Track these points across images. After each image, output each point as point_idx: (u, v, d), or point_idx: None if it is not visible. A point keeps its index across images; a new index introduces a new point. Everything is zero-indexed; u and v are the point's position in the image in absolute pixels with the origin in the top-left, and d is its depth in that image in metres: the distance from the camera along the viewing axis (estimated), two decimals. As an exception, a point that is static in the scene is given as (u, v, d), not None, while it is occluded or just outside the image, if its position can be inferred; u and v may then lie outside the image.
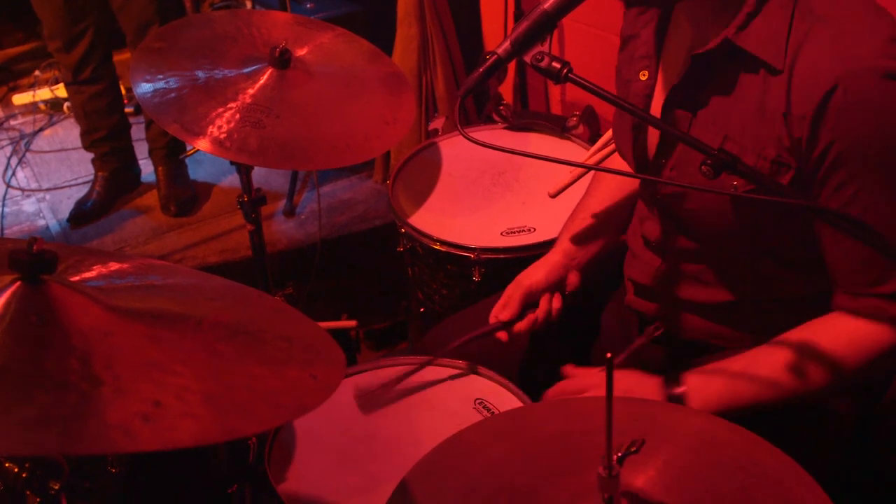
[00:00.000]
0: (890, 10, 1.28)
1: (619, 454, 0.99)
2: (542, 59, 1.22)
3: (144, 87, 1.81)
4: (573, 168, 2.23)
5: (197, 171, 3.56)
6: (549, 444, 1.16)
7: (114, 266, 1.19)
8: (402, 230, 2.18)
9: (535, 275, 1.72)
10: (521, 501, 1.08)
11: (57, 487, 1.11)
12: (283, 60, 1.86)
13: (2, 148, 3.94)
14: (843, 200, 1.27)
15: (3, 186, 3.65)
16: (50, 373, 0.90)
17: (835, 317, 1.36)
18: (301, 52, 1.94)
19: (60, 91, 4.02)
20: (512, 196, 2.30)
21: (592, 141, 2.38)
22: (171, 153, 3.39)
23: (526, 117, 2.65)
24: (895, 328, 1.32)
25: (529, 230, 2.14)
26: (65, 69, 3.30)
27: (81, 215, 3.35)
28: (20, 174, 3.74)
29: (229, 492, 1.57)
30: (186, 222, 3.33)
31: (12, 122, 4.13)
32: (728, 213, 1.37)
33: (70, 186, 3.60)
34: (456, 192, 2.33)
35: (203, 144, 1.73)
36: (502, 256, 2.04)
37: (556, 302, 1.71)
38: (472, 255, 2.05)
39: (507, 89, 3.28)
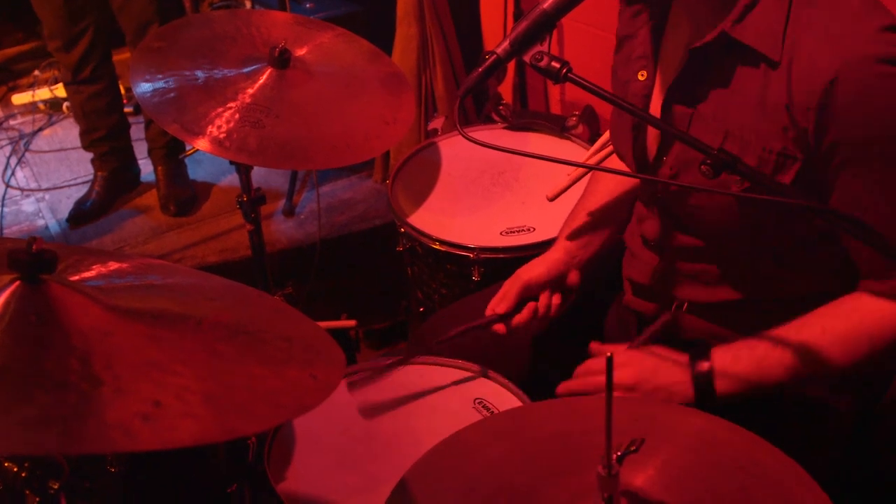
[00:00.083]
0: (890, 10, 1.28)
1: (619, 453, 0.99)
2: (541, 59, 1.22)
3: (144, 87, 1.81)
4: (572, 169, 2.22)
5: (196, 171, 3.56)
6: (549, 444, 1.16)
7: (113, 266, 1.19)
8: (402, 230, 2.18)
9: (534, 270, 1.71)
10: (520, 501, 1.08)
11: (56, 487, 1.11)
12: (282, 60, 1.86)
13: (1, 148, 3.94)
14: (856, 191, 1.27)
15: (3, 186, 3.64)
16: (50, 373, 0.90)
17: (862, 297, 1.36)
18: (300, 52, 1.94)
19: (60, 91, 4.02)
20: (511, 196, 2.30)
21: (592, 140, 2.38)
22: (170, 153, 3.39)
23: (525, 117, 2.65)
24: None
25: (529, 230, 2.14)
26: (64, 69, 3.30)
27: (81, 215, 3.35)
28: (19, 174, 3.74)
29: (229, 491, 1.57)
30: (186, 222, 3.33)
31: (12, 122, 4.13)
32: (731, 210, 1.37)
33: (69, 186, 3.59)
34: (455, 192, 2.33)
35: (202, 144, 1.72)
36: (501, 256, 2.05)
37: (556, 298, 1.71)
38: (471, 255, 2.05)
39: (506, 89, 3.28)
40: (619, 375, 1.45)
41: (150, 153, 3.43)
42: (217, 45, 1.93)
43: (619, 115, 1.55)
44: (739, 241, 1.43)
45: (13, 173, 3.74)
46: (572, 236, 1.75)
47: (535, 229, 2.14)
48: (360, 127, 1.88)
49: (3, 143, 3.97)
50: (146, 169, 3.54)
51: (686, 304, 1.56)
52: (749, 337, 1.40)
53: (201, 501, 1.64)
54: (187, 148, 3.48)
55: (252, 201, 2.03)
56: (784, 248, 1.42)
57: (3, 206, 3.52)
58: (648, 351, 1.48)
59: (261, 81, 1.85)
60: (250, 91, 1.83)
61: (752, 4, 1.28)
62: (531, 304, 1.68)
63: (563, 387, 1.52)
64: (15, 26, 4.70)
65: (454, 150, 2.49)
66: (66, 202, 3.45)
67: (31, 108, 4.17)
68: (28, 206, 3.53)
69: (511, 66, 3.16)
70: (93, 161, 3.46)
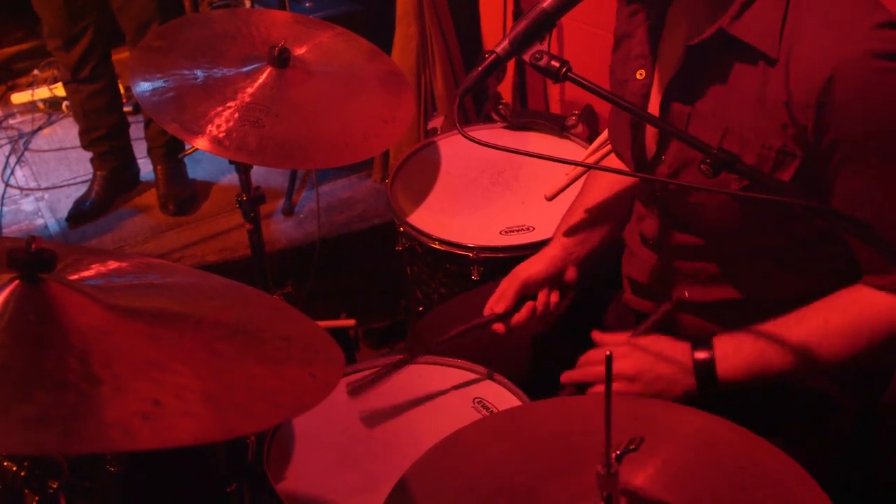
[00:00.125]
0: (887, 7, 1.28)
1: (618, 452, 0.99)
2: (540, 58, 1.22)
3: (143, 86, 1.81)
4: (571, 168, 2.22)
5: (196, 170, 3.56)
6: (548, 444, 1.16)
7: (113, 265, 1.19)
8: (401, 229, 2.18)
9: (532, 268, 1.71)
10: (520, 500, 1.08)
11: (56, 486, 1.11)
12: (282, 59, 1.86)
13: (0, 147, 3.93)
14: (857, 188, 1.27)
15: (2, 185, 3.64)
16: (49, 372, 0.90)
17: (862, 290, 1.36)
18: (300, 51, 1.94)
19: (59, 90, 4.02)
20: (511, 195, 2.30)
21: (591, 140, 2.38)
22: (169, 152, 3.39)
23: (525, 116, 2.65)
24: None
25: (528, 229, 2.14)
26: (64, 68, 3.30)
27: (80, 214, 3.34)
28: (19, 173, 3.74)
29: (228, 491, 1.57)
30: (185, 221, 3.33)
31: (11, 122, 4.12)
32: (730, 208, 1.37)
33: (69, 185, 3.59)
34: (455, 191, 2.33)
35: (202, 143, 1.72)
36: (501, 255, 2.04)
37: (555, 296, 1.70)
38: (470, 254, 2.05)
39: (506, 88, 3.28)
40: (621, 366, 1.45)
41: (150, 152, 3.43)
42: (216, 44, 1.93)
43: (618, 114, 1.55)
44: (738, 240, 1.43)
45: (12, 172, 3.74)
46: (569, 233, 1.75)
47: (534, 229, 2.13)
48: (360, 126, 1.88)
49: (3, 142, 3.97)
50: (145, 168, 3.54)
51: (687, 293, 1.55)
52: (750, 327, 1.41)
53: (201, 501, 1.64)
54: (187, 147, 3.48)
55: (251, 200, 2.03)
56: (784, 248, 1.42)
57: (2, 205, 3.52)
58: (649, 341, 1.48)
59: (260, 80, 1.85)
60: (250, 90, 1.83)
61: (750, 1, 1.28)
62: (529, 304, 1.68)
63: (566, 376, 1.53)
64: (14, 25, 4.70)
65: (454, 149, 2.49)
66: (66, 201, 3.45)
67: (31, 107, 4.16)
68: (27, 205, 3.53)
69: (511, 65, 3.16)
70: (92, 160, 3.46)
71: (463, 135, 1.24)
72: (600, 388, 1.47)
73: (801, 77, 1.24)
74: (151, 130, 3.35)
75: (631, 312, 1.68)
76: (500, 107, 2.66)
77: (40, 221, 3.41)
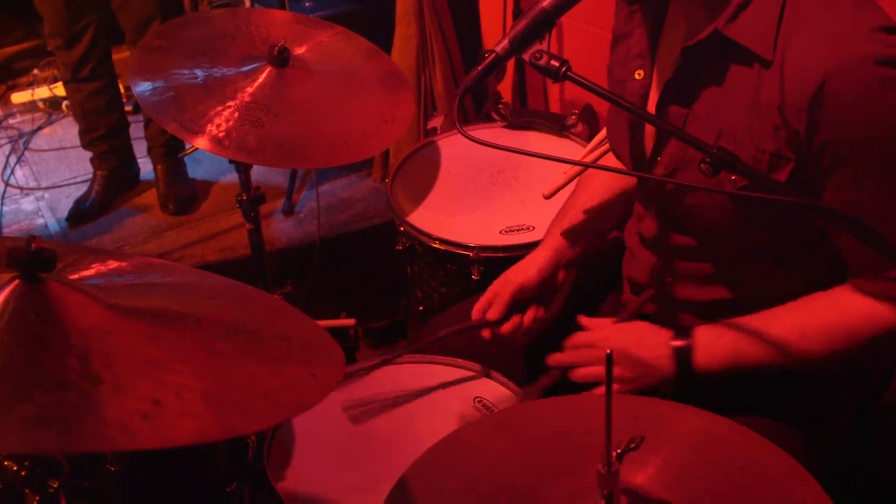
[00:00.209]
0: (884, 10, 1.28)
1: (619, 451, 0.99)
2: (540, 58, 1.22)
3: (143, 86, 1.81)
4: (570, 167, 2.22)
5: (196, 170, 3.56)
6: (549, 443, 1.16)
7: (113, 264, 1.19)
8: (401, 229, 2.18)
9: (525, 272, 1.70)
10: (520, 500, 1.08)
11: (56, 486, 1.11)
12: (281, 59, 1.86)
13: (0, 146, 3.93)
14: (848, 192, 1.27)
15: (2, 185, 3.64)
16: (49, 371, 0.90)
17: (848, 292, 1.37)
18: (300, 51, 1.94)
19: (59, 90, 4.02)
20: (511, 195, 2.30)
21: (591, 139, 2.38)
22: (169, 152, 3.39)
23: (525, 116, 2.65)
24: None
25: (528, 229, 2.14)
26: (64, 67, 3.30)
27: (80, 214, 3.34)
28: (19, 173, 3.74)
29: (228, 490, 1.57)
30: (185, 221, 3.32)
31: (11, 121, 4.12)
32: (728, 209, 1.37)
33: (69, 185, 3.59)
34: (455, 191, 2.33)
35: (202, 143, 1.73)
36: (501, 255, 2.04)
37: (541, 312, 1.71)
38: (470, 254, 2.05)
39: (505, 88, 3.28)
40: (603, 349, 1.46)
41: (150, 152, 3.43)
42: (216, 43, 1.93)
43: (616, 113, 1.55)
44: (736, 240, 1.43)
45: (12, 172, 3.74)
46: (559, 237, 1.74)
47: (534, 228, 2.13)
48: (359, 125, 1.87)
49: (3, 141, 3.97)
50: (146, 168, 3.54)
51: (674, 280, 1.57)
52: (733, 318, 1.43)
53: (201, 500, 1.64)
54: (187, 147, 3.47)
55: (251, 200, 2.03)
56: (784, 248, 1.42)
57: (2, 204, 3.52)
58: (632, 326, 1.52)
59: (260, 80, 1.84)
60: (249, 90, 1.83)
61: (746, 3, 1.28)
62: (516, 318, 1.67)
63: (552, 359, 1.55)
64: (15, 24, 4.70)
65: (453, 148, 2.49)
66: (66, 201, 3.45)
67: (31, 106, 4.16)
68: (27, 204, 3.52)
69: (510, 64, 3.16)
70: (92, 160, 3.46)
71: (463, 134, 1.24)
72: (584, 370, 1.51)
73: (795, 80, 1.23)
74: (151, 130, 3.35)
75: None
76: (500, 106, 2.66)
77: (40, 221, 3.41)
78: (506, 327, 1.67)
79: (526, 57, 1.22)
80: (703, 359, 1.42)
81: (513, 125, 2.62)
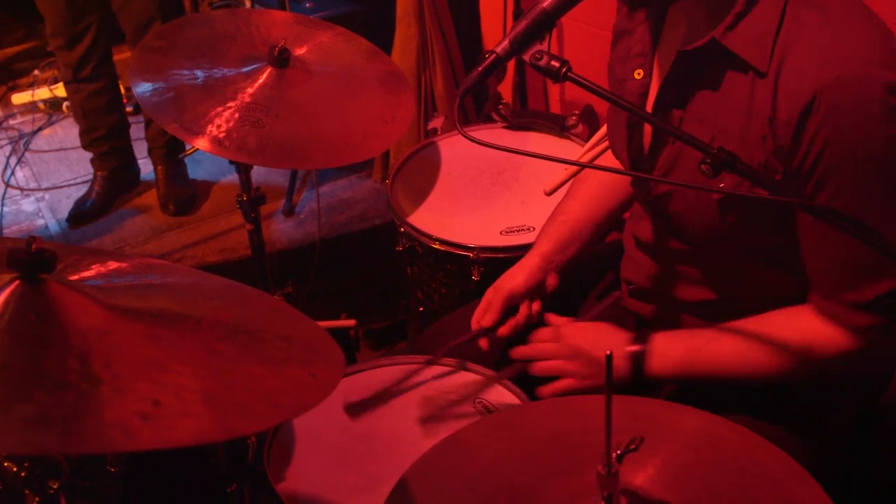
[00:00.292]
0: (888, 10, 1.27)
1: (619, 452, 0.99)
2: (541, 58, 1.21)
3: (143, 87, 1.81)
4: (570, 166, 2.22)
5: (196, 171, 3.56)
6: (549, 443, 1.16)
7: (113, 265, 1.19)
8: (402, 229, 2.18)
9: (514, 279, 1.72)
10: (520, 500, 1.08)
11: (56, 487, 1.11)
12: (282, 59, 1.86)
13: (1, 147, 3.93)
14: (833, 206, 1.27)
15: (3, 186, 3.64)
16: (49, 372, 0.90)
17: (803, 312, 1.38)
18: (300, 52, 1.94)
19: (59, 90, 4.02)
20: (511, 195, 2.30)
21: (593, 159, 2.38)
22: (170, 152, 3.39)
23: (525, 116, 2.65)
24: (852, 335, 1.34)
25: (528, 229, 2.14)
26: (65, 67, 3.30)
27: (80, 215, 3.35)
28: (19, 173, 3.74)
29: (228, 491, 1.57)
30: (186, 222, 3.33)
31: (11, 122, 4.13)
32: (712, 214, 1.37)
33: (69, 186, 3.59)
34: (455, 192, 2.33)
35: (202, 144, 1.73)
36: (501, 256, 2.04)
37: (536, 306, 1.72)
38: (471, 255, 2.05)
39: (506, 88, 3.28)
40: (564, 344, 1.53)
41: (150, 153, 3.43)
42: (217, 44, 1.93)
43: (615, 113, 1.55)
44: (727, 244, 1.42)
45: (13, 173, 3.74)
46: (549, 242, 1.75)
47: (534, 229, 2.13)
48: (360, 126, 1.88)
49: (3, 142, 3.97)
50: (146, 168, 3.54)
51: (634, 288, 1.61)
52: (691, 330, 1.47)
53: (201, 501, 1.64)
54: (187, 147, 3.48)
55: (252, 201, 2.03)
56: (782, 249, 1.42)
57: (2, 205, 3.52)
58: (594, 325, 1.56)
59: (260, 81, 1.85)
60: (250, 90, 1.83)
61: (745, 11, 1.27)
62: (511, 321, 1.69)
63: (516, 352, 1.59)
64: (15, 25, 4.70)
65: (454, 149, 2.49)
66: (66, 202, 3.45)
67: (31, 107, 4.17)
68: (28, 205, 3.53)
69: (511, 65, 3.16)
70: (92, 161, 3.46)
71: (463, 135, 1.24)
72: (543, 363, 1.55)
73: (787, 92, 1.23)
74: (152, 131, 3.35)
75: (631, 315, 1.68)
76: (501, 107, 2.66)
77: (41, 222, 3.41)
78: (501, 331, 1.69)
79: (526, 57, 1.22)
80: (657, 365, 1.46)
81: (513, 126, 2.62)
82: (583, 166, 1.97)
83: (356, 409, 1.60)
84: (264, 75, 1.85)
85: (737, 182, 1.30)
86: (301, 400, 1.02)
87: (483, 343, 1.69)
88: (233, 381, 0.99)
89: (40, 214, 3.46)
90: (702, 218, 1.40)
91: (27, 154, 3.87)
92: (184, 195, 3.39)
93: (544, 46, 1.22)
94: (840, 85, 1.19)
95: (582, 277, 1.85)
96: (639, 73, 1.46)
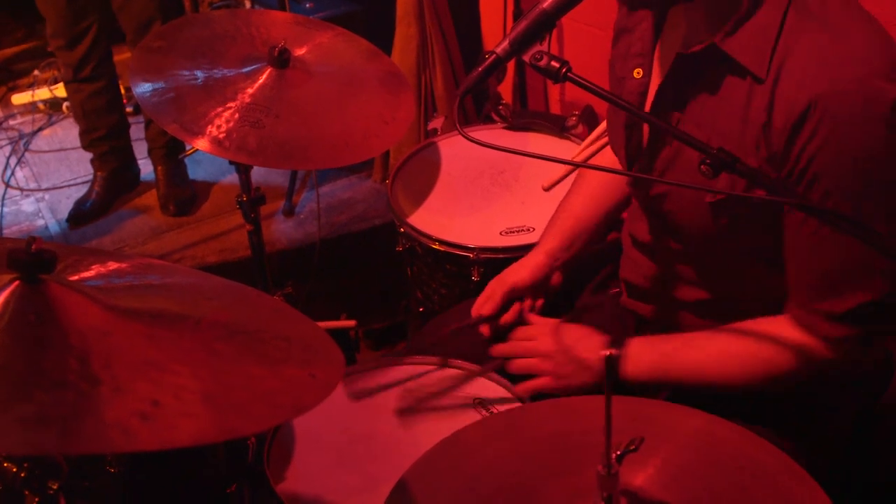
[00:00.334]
0: (888, 11, 1.27)
1: (618, 452, 0.99)
2: (540, 59, 1.21)
3: (143, 87, 1.81)
4: (570, 159, 2.23)
5: (196, 171, 3.56)
6: (548, 444, 1.16)
7: (112, 266, 1.19)
8: (402, 230, 2.18)
9: (518, 273, 1.74)
10: (519, 500, 1.08)
11: (56, 487, 1.11)
12: (282, 60, 1.86)
13: (1, 148, 3.93)
14: (796, 228, 1.28)
15: (2, 186, 3.64)
16: (48, 372, 0.90)
17: (780, 320, 1.39)
18: (300, 52, 1.94)
19: (59, 91, 4.02)
20: (511, 196, 2.30)
21: (591, 155, 2.38)
22: (170, 153, 3.39)
23: (525, 117, 2.65)
24: (826, 346, 1.35)
25: (528, 230, 2.14)
26: (65, 67, 3.30)
27: (80, 215, 3.35)
28: (19, 174, 3.74)
29: (228, 492, 1.57)
30: (185, 222, 3.33)
31: (11, 122, 4.13)
32: (705, 216, 1.38)
33: (69, 186, 3.59)
34: (455, 192, 2.33)
35: (202, 144, 1.72)
36: (501, 256, 2.04)
37: (539, 301, 1.75)
38: (471, 255, 2.05)
39: (506, 89, 3.28)
40: (542, 343, 1.55)
41: (150, 153, 3.43)
42: (216, 44, 1.93)
43: (614, 112, 1.56)
44: (721, 244, 1.43)
45: (13, 173, 3.74)
46: (554, 239, 1.76)
47: (534, 229, 2.13)
48: (360, 126, 1.87)
49: (3, 143, 3.97)
50: (146, 169, 3.54)
51: (632, 287, 1.62)
52: (667, 335, 1.49)
53: (201, 502, 1.64)
54: (187, 148, 3.48)
55: (252, 201, 2.03)
56: (769, 250, 1.42)
57: (2, 206, 3.52)
58: (573, 327, 1.57)
59: (260, 81, 1.84)
60: (250, 91, 1.83)
61: (746, 17, 1.27)
62: (517, 305, 1.72)
63: (495, 349, 1.62)
64: (15, 25, 4.71)
65: (454, 149, 2.49)
66: (66, 202, 3.45)
67: (31, 108, 4.17)
68: (28, 206, 3.53)
69: (511, 65, 3.16)
70: (92, 161, 3.46)
71: (463, 135, 1.24)
72: (520, 361, 1.58)
73: (783, 100, 1.23)
74: (152, 131, 3.35)
75: (630, 315, 1.68)
76: (501, 107, 2.66)
77: (41, 222, 3.41)
78: (505, 318, 1.71)
79: (526, 58, 1.22)
80: (631, 369, 1.47)
81: (513, 126, 2.62)
82: (581, 167, 1.97)
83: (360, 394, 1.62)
84: (264, 76, 1.85)
85: (731, 184, 1.30)
86: (300, 400, 1.02)
87: (484, 330, 1.71)
88: (232, 382, 0.99)
89: (40, 215, 3.46)
90: (695, 219, 1.40)
91: (27, 154, 3.87)
92: (184, 195, 3.39)
93: (544, 47, 1.22)
94: (836, 94, 1.19)
95: (582, 277, 1.85)
96: (638, 73, 1.46)
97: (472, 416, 1.56)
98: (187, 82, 1.82)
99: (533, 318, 1.66)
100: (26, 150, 3.90)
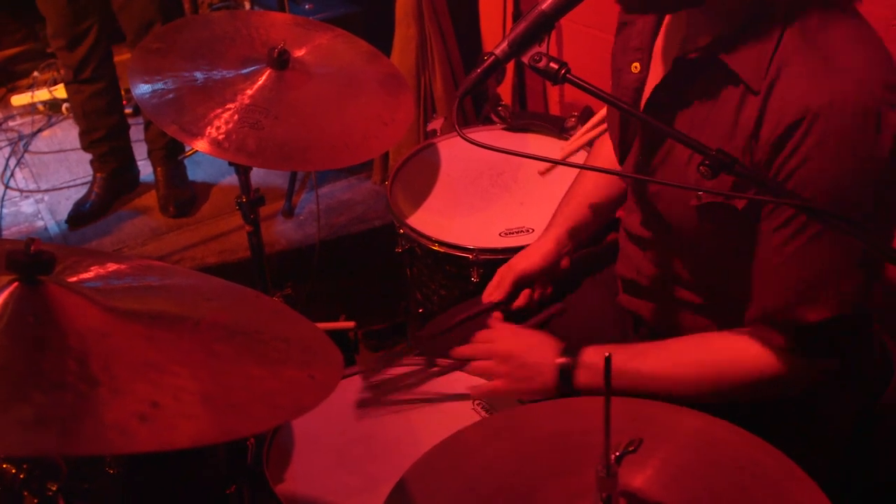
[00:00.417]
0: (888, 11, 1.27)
1: (617, 453, 0.99)
2: (539, 60, 1.22)
3: (143, 88, 1.81)
4: (567, 145, 2.30)
5: (196, 172, 3.56)
6: (548, 444, 1.16)
7: (111, 267, 1.19)
8: (401, 231, 2.18)
9: (527, 260, 1.77)
10: (519, 501, 1.07)
11: (55, 489, 1.11)
12: (281, 61, 1.86)
13: (0, 149, 3.93)
14: (791, 231, 1.28)
15: (2, 187, 3.65)
16: (47, 373, 0.90)
17: (738, 332, 1.41)
18: (299, 53, 1.94)
19: (59, 92, 4.03)
20: (510, 197, 2.30)
21: (590, 141, 2.38)
22: (169, 154, 3.40)
23: (524, 118, 2.65)
24: (780, 360, 1.36)
25: (528, 231, 2.14)
26: (66, 68, 3.30)
27: (80, 216, 3.35)
28: (19, 175, 3.74)
29: (227, 493, 1.57)
30: (185, 223, 3.33)
31: (11, 123, 4.13)
32: (691, 219, 1.39)
33: (69, 187, 3.60)
34: (454, 193, 2.33)
35: (201, 145, 1.72)
36: (501, 257, 2.04)
37: (548, 290, 1.79)
38: (470, 256, 2.05)
39: (505, 90, 3.28)
40: (499, 346, 1.57)
41: (150, 154, 3.43)
42: (216, 46, 1.93)
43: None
44: (706, 242, 1.43)
45: (12, 174, 3.74)
46: (563, 225, 1.79)
47: (533, 230, 2.13)
48: (359, 128, 1.87)
49: (3, 144, 3.97)
50: (145, 170, 3.54)
51: (620, 290, 1.64)
52: (623, 344, 1.50)
53: (200, 503, 1.64)
54: (186, 149, 3.48)
55: (251, 202, 2.03)
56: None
57: (2, 207, 3.52)
58: (529, 333, 1.59)
59: (259, 82, 1.84)
60: (249, 92, 1.83)
61: (744, 29, 1.27)
62: (527, 291, 1.76)
63: (456, 351, 1.63)
64: (15, 27, 4.71)
65: (453, 151, 2.49)
66: (66, 203, 3.45)
67: (31, 109, 4.17)
68: (27, 207, 3.53)
69: (510, 67, 3.16)
70: (92, 162, 3.46)
71: (462, 136, 1.24)
72: (476, 363, 1.59)
73: (775, 112, 1.23)
74: (151, 132, 3.35)
75: (628, 314, 1.68)
76: (500, 108, 2.66)
77: (40, 223, 3.41)
78: (516, 304, 1.75)
79: (525, 59, 1.22)
80: (584, 377, 1.48)
81: (512, 127, 2.62)
82: (581, 167, 1.97)
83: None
84: (263, 77, 1.85)
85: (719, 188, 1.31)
86: (300, 401, 1.02)
87: (497, 316, 1.74)
88: (231, 383, 0.99)
89: (40, 216, 3.46)
90: (683, 220, 1.42)
91: (26, 155, 3.87)
92: (183, 197, 3.39)
93: (543, 48, 1.23)
94: (824, 112, 1.19)
95: (581, 277, 1.86)
96: (635, 67, 1.46)
97: (471, 416, 1.56)
98: (187, 83, 1.82)
99: (494, 322, 1.67)
100: (26, 151, 3.90)
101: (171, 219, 3.35)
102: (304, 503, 1.44)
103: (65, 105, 4.04)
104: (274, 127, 1.78)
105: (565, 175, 2.24)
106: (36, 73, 4.28)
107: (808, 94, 1.20)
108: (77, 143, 3.49)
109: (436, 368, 1.65)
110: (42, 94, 4.15)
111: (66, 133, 3.98)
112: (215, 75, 1.85)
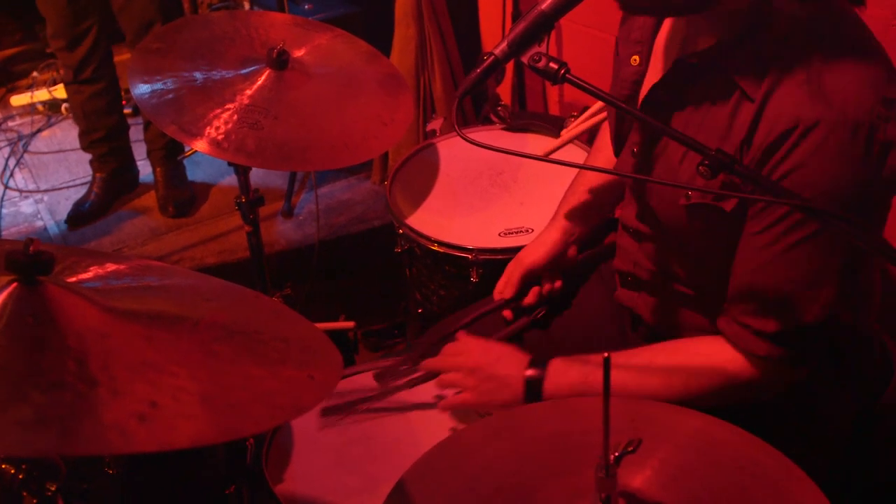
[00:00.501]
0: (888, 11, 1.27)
1: (617, 454, 0.99)
2: (539, 60, 1.21)
3: (142, 89, 1.81)
4: (568, 128, 2.32)
5: (195, 172, 3.56)
6: (547, 444, 1.16)
7: (111, 267, 1.19)
8: (400, 231, 2.18)
9: (535, 253, 1.78)
10: (518, 501, 1.07)
11: (54, 489, 1.11)
12: (280, 61, 1.86)
13: (0, 149, 3.93)
14: (772, 236, 1.28)
15: (1, 188, 3.64)
16: (46, 373, 0.90)
17: (708, 338, 1.42)
18: (299, 53, 1.94)
19: (58, 92, 4.02)
20: (510, 197, 2.30)
21: (590, 142, 2.38)
22: (169, 154, 3.39)
23: (524, 118, 2.65)
24: (751, 364, 1.36)
25: (527, 231, 2.14)
26: (66, 68, 3.30)
27: (79, 216, 3.35)
28: (18, 175, 3.74)
29: (227, 493, 1.57)
30: (184, 223, 3.33)
31: (10, 124, 4.13)
32: (680, 217, 1.39)
33: (68, 188, 3.59)
34: (454, 193, 2.33)
35: (201, 146, 1.72)
36: (500, 257, 2.04)
37: (558, 283, 1.80)
38: (469, 256, 2.05)
39: (505, 90, 3.28)
40: (465, 358, 1.56)
41: (149, 154, 3.43)
42: (215, 46, 1.93)
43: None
44: (696, 240, 1.43)
45: (12, 175, 3.74)
46: (570, 214, 1.81)
47: (533, 230, 2.13)
48: (359, 128, 1.87)
49: (2, 144, 3.97)
50: (145, 170, 3.54)
51: (618, 285, 1.64)
52: (597, 353, 1.48)
53: (199, 503, 1.64)
54: (186, 149, 3.48)
55: (250, 203, 2.03)
56: None
57: (1, 207, 3.52)
58: (498, 345, 1.58)
59: (259, 83, 1.84)
60: (248, 92, 1.83)
61: (744, 35, 1.27)
62: (535, 289, 1.77)
63: (426, 363, 1.63)
64: (14, 27, 4.71)
65: (452, 151, 2.49)
66: (65, 203, 3.45)
67: (30, 109, 4.17)
68: (27, 207, 3.53)
69: (510, 67, 3.16)
70: (91, 162, 3.46)
71: (461, 136, 1.24)
72: (444, 376, 1.57)
73: (767, 121, 1.23)
74: (151, 132, 3.35)
75: (625, 311, 1.68)
76: (499, 108, 2.66)
77: (39, 223, 3.41)
78: (527, 300, 1.76)
79: (525, 59, 1.22)
80: (551, 388, 1.48)
81: (512, 127, 2.61)
82: (580, 167, 1.97)
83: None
84: (263, 77, 1.85)
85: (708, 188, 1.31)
86: (299, 401, 1.02)
87: (507, 314, 1.76)
88: (230, 383, 0.99)
89: (39, 216, 3.45)
90: (672, 218, 1.42)
91: (26, 156, 3.87)
92: (183, 197, 3.39)
93: (543, 48, 1.22)
94: (821, 121, 1.19)
95: (580, 277, 1.86)
96: (635, 60, 1.47)
97: (471, 416, 1.56)
98: (186, 84, 1.82)
99: (462, 335, 1.66)
100: (25, 151, 3.90)
101: (170, 219, 3.35)
102: (304, 503, 1.44)
103: (64, 105, 4.03)
104: (273, 127, 1.77)
105: (565, 175, 2.24)
106: (35, 74, 4.28)
107: (804, 105, 1.20)
108: (76, 144, 3.49)
109: (404, 380, 1.64)
110: (41, 95, 4.15)
111: (66, 133, 3.98)
112: (215, 75, 1.85)
